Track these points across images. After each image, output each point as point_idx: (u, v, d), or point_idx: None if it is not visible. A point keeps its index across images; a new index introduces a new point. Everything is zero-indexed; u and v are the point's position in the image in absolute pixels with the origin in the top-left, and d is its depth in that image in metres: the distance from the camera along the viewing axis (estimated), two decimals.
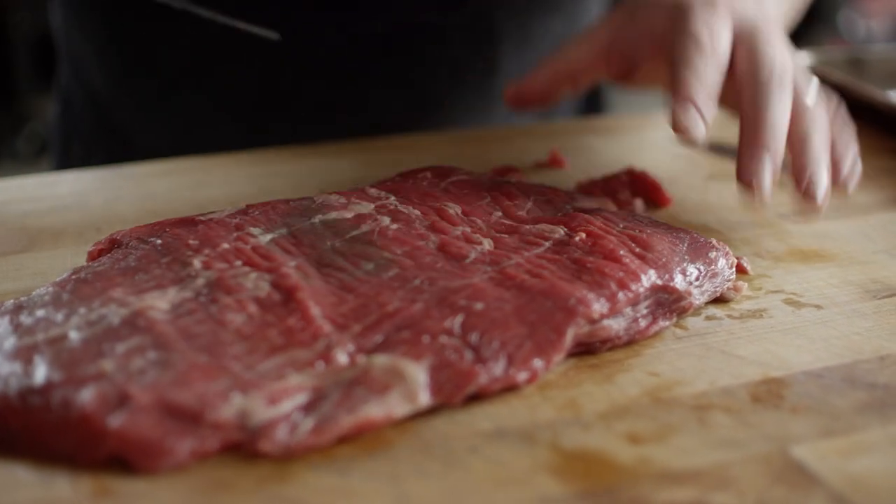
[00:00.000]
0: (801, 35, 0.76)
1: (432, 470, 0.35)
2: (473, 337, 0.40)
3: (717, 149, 0.69)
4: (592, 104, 0.90)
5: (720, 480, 0.35)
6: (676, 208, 0.58)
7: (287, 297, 0.42)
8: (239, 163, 0.64)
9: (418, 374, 0.38)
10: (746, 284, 0.48)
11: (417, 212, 0.49)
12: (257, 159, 0.65)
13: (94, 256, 0.48)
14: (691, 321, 0.46)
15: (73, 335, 0.40)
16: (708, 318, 0.46)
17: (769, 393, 0.40)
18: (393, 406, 0.37)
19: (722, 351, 0.43)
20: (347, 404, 0.37)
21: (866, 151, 0.68)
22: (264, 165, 0.64)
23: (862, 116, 0.73)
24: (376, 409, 0.37)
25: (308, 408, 0.37)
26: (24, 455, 0.36)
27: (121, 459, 0.36)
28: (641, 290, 0.43)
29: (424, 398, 0.38)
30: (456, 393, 0.38)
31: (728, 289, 0.47)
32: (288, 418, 0.37)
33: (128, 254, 0.47)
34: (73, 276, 0.45)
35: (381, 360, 0.39)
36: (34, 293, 0.44)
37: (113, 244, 0.49)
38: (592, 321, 0.42)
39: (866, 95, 0.71)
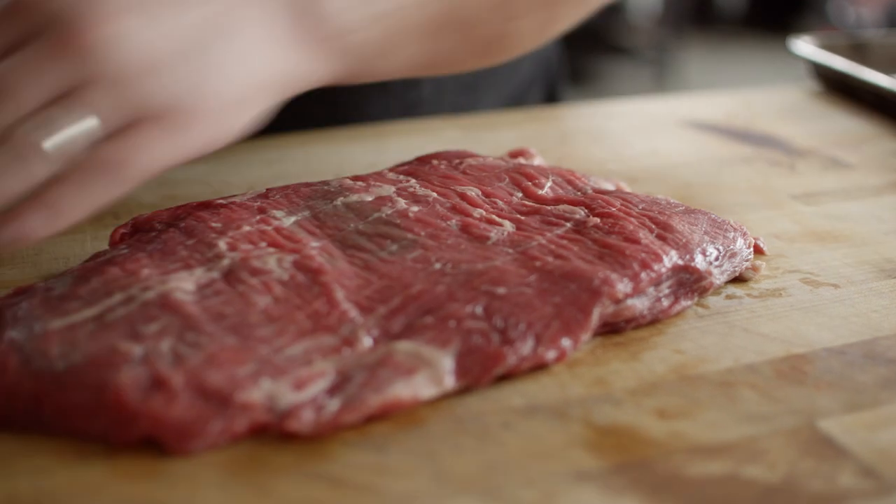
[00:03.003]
0: (790, 23, 0.75)
1: (467, 445, 0.36)
2: (499, 319, 0.40)
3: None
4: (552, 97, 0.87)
5: (751, 453, 0.35)
6: (690, 191, 0.59)
7: (312, 279, 0.42)
8: (253, 148, 0.64)
9: (444, 361, 0.39)
10: (764, 264, 0.49)
11: (437, 194, 0.49)
12: (270, 145, 0.65)
13: (116, 240, 0.49)
14: (712, 300, 0.46)
15: (104, 317, 0.40)
16: (728, 297, 0.46)
17: (793, 369, 0.41)
18: (419, 388, 0.38)
19: (744, 329, 0.44)
20: (373, 385, 0.37)
21: (874, 135, 0.69)
22: (278, 150, 0.64)
23: (868, 101, 0.74)
24: (403, 390, 0.37)
25: (333, 390, 0.37)
26: (58, 436, 0.37)
27: (154, 441, 0.36)
28: (663, 270, 0.44)
29: (450, 382, 0.38)
30: (484, 375, 0.39)
31: (746, 268, 0.48)
32: (314, 401, 0.37)
33: (151, 237, 0.47)
34: (98, 260, 0.45)
35: (405, 346, 0.39)
36: (61, 276, 0.44)
37: (135, 228, 0.49)
38: (617, 301, 0.42)
39: (871, 82, 0.72)
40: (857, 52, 0.79)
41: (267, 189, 0.51)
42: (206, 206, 0.49)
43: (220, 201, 0.49)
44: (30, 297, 0.43)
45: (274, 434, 0.36)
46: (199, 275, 0.43)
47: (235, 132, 0.46)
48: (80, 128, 0.41)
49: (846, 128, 0.70)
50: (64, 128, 0.41)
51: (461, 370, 0.38)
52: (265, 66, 0.46)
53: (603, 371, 0.40)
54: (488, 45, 0.56)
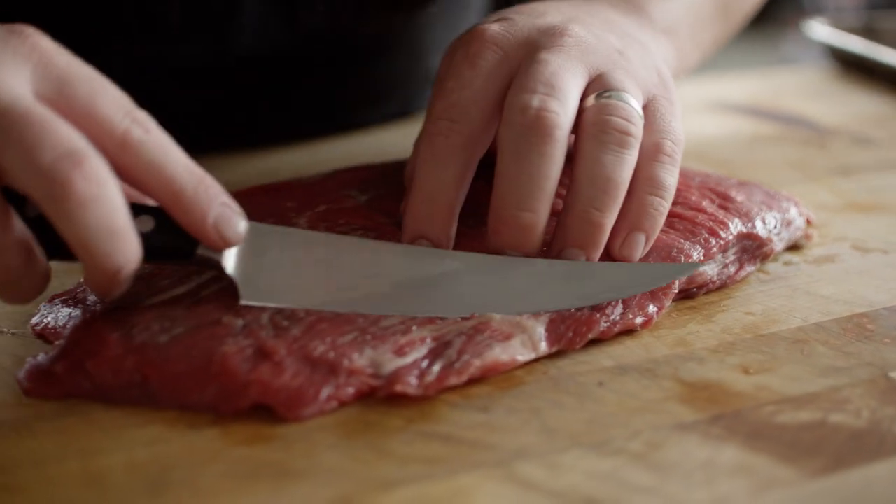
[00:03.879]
0: (766, 14, 0.75)
1: (568, 403, 0.37)
2: None
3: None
4: None
5: (834, 402, 0.37)
6: (728, 168, 0.61)
7: None
8: (245, 158, 0.65)
9: (538, 327, 0.40)
10: (816, 231, 0.51)
11: None
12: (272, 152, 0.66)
13: None
14: (771, 267, 0.48)
15: (198, 293, 0.42)
16: (785, 263, 0.49)
17: (859, 327, 0.43)
18: (516, 352, 0.39)
19: (806, 292, 0.46)
20: (473, 349, 0.39)
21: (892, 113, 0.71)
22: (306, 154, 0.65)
23: (886, 80, 0.76)
24: (502, 354, 0.39)
25: (433, 355, 0.39)
26: (166, 409, 0.38)
27: (265, 407, 0.37)
28: (730, 237, 0.46)
29: (544, 347, 0.40)
30: (576, 340, 0.40)
31: (800, 237, 0.50)
32: (416, 364, 0.39)
33: None
34: None
35: (499, 315, 0.41)
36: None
37: None
38: None
39: (890, 63, 0.74)
40: (869, 34, 0.81)
41: (335, 170, 0.52)
42: (276, 187, 0.50)
43: (291, 183, 0.51)
44: None
45: (379, 399, 0.38)
46: None
47: None
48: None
49: (867, 106, 0.73)
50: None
51: (554, 335, 0.40)
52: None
53: (682, 333, 0.42)
54: (742, 22, 0.63)
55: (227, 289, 0.42)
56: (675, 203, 0.48)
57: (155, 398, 0.38)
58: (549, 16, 0.48)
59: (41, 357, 0.40)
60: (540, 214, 0.42)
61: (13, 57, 0.37)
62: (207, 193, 0.38)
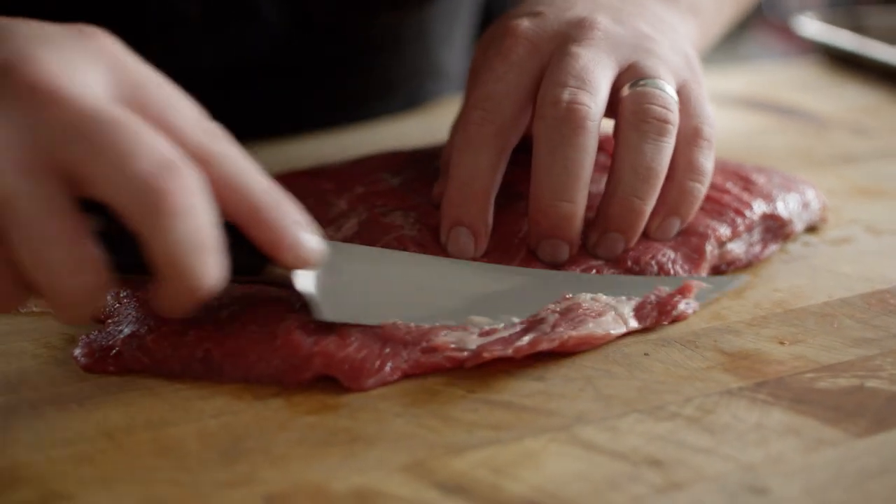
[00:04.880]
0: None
1: (619, 372, 0.39)
2: (632, 264, 0.45)
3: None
4: None
5: (869, 370, 0.39)
6: (735, 157, 0.63)
7: (439, 232, 0.45)
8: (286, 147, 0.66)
9: (625, 307, 0.42)
10: (829, 216, 0.53)
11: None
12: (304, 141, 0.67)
13: None
14: (792, 247, 0.50)
15: None
16: (804, 244, 0.51)
17: (882, 302, 0.45)
18: (609, 326, 0.40)
19: (828, 270, 0.48)
20: (567, 325, 0.40)
21: (887, 103, 0.74)
22: (332, 143, 0.66)
23: (875, 73, 0.79)
24: (596, 328, 0.40)
25: (524, 331, 0.40)
26: (229, 383, 0.39)
27: (326, 378, 0.38)
28: (755, 217, 0.48)
29: (634, 323, 0.41)
30: (661, 318, 0.42)
31: (817, 219, 0.52)
32: (505, 339, 0.39)
33: None
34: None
35: (587, 295, 0.42)
36: None
37: None
38: (720, 243, 0.46)
39: (881, 59, 0.77)
40: (856, 30, 0.84)
41: (363, 156, 0.53)
42: (311, 172, 0.51)
43: (324, 168, 0.52)
44: None
45: (438, 372, 0.39)
46: (332, 233, 0.45)
47: None
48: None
49: (859, 98, 0.75)
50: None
51: (641, 314, 0.42)
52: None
53: (716, 307, 0.44)
54: (749, 4, 0.65)
55: None
56: None
57: (218, 372, 0.39)
58: (579, 6, 0.49)
59: (95, 335, 0.41)
60: (577, 204, 0.44)
61: (89, 60, 0.35)
62: (286, 213, 0.37)
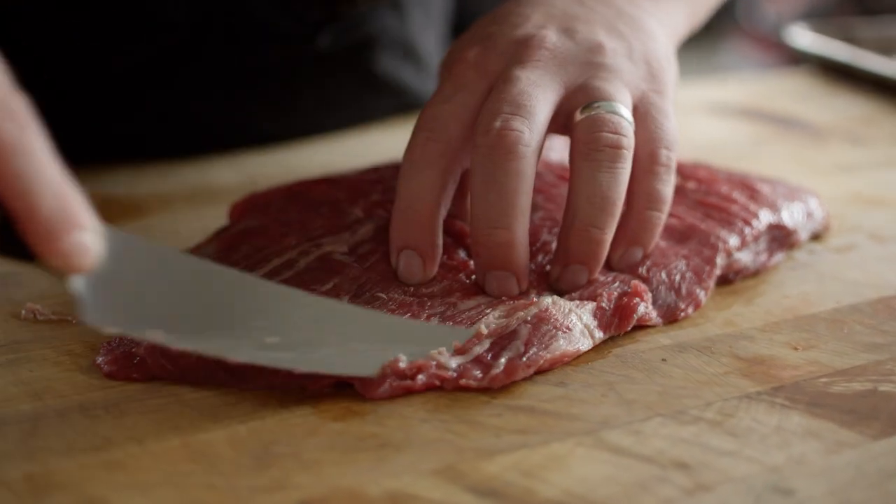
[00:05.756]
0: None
1: (638, 377, 0.40)
2: (643, 270, 0.45)
3: None
4: None
5: (881, 374, 0.40)
6: (736, 166, 0.63)
7: (456, 240, 0.46)
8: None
9: (584, 314, 0.42)
10: (832, 223, 0.54)
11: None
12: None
13: (236, 213, 0.51)
14: (797, 255, 0.51)
15: (276, 278, 0.43)
16: (809, 252, 0.52)
17: (889, 308, 0.46)
18: (578, 342, 0.41)
19: (834, 277, 0.49)
20: (540, 342, 0.40)
21: (882, 113, 0.76)
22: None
23: (868, 83, 0.80)
24: (567, 345, 0.40)
25: (498, 347, 0.40)
26: (254, 389, 0.39)
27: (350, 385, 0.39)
28: (762, 226, 0.49)
29: (599, 334, 0.42)
30: (624, 324, 0.42)
31: (820, 227, 0.53)
32: (480, 359, 0.39)
33: (276, 210, 0.50)
34: (232, 231, 0.48)
35: (558, 299, 0.42)
36: (197, 249, 0.47)
37: (252, 203, 0.51)
38: (729, 253, 0.47)
39: (874, 70, 0.79)
40: (850, 38, 0.85)
41: (373, 167, 0.54)
42: (324, 181, 0.52)
43: (335, 177, 0.52)
44: None
45: None
46: (348, 238, 0.46)
47: None
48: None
49: (853, 108, 0.77)
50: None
51: (603, 322, 0.42)
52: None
53: (728, 314, 0.45)
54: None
55: (295, 279, 0.43)
56: (708, 193, 0.51)
57: (241, 379, 0.39)
58: (531, 21, 0.48)
59: (116, 342, 0.41)
60: (514, 231, 0.42)
61: None
62: (66, 216, 0.33)
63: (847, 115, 0.75)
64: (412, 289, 0.43)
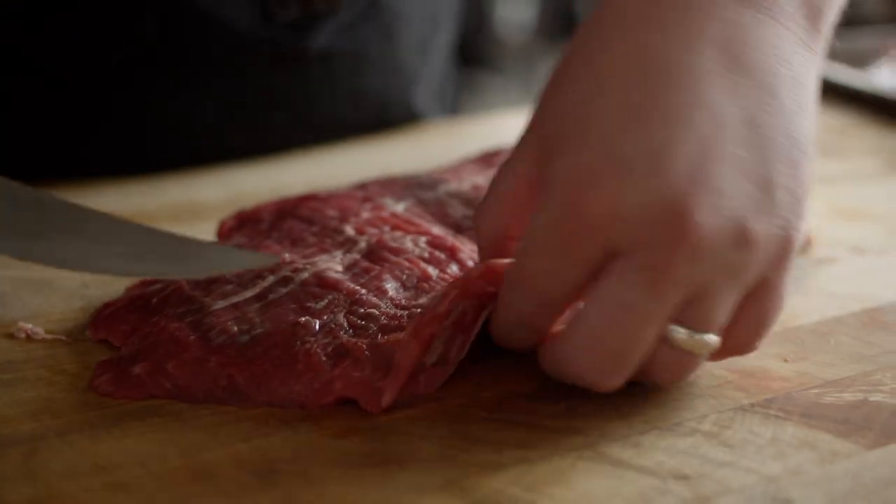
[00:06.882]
0: None
1: (634, 390, 0.40)
2: None
3: None
4: None
5: (870, 384, 0.41)
6: None
7: (450, 255, 0.46)
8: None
9: None
10: (816, 236, 0.55)
11: None
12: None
13: (224, 233, 0.51)
14: None
15: (266, 296, 0.43)
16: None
17: (873, 320, 0.47)
18: None
19: (818, 289, 0.50)
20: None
21: (853, 125, 0.77)
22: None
23: (842, 96, 0.82)
24: None
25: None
26: (254, 408, 0.39)
27: (349, 402, 0.39)
28: None
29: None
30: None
31: (803, 241, 0.54)
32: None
33: (265, 228, 0.50)
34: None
35: None
36: None
37: (242, 221, 0.52)
38: None
39: (849, 84, 0.80)
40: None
41: (361, 183, 0.54)
42: (313, 197, 0.52)
43: (323, 194, 0.52)
44: (171, 284, 0.45)
45: (455, 393, 0.40)
46: (341, 256, 0.46)
47: None
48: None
49: (827, 119, 0.78)
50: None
51: None
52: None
53: None
54: None
55: (290, 295, 0.43)
56: None
57: (242, 397, 0.39)
58: (716, 144, 0.37)
59: (112, 360, 0.41)
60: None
61: None
62: None
63: (820, 127, 0.76)
64: (404, 301, 0.43)
